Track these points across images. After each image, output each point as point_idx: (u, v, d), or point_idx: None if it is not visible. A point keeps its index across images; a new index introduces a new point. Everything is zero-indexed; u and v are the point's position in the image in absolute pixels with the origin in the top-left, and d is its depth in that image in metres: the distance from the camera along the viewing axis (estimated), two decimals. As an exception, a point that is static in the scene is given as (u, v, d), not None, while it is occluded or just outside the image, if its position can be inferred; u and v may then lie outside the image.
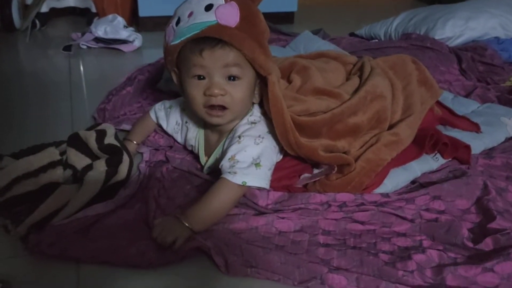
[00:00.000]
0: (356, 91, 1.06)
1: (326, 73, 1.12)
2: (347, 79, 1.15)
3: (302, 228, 0.88)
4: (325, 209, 0.92)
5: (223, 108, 0.93)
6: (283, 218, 0.89)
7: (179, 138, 1.13)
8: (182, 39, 0.89)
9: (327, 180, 0.96)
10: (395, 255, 0.82)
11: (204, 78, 0.91)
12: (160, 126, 1.17)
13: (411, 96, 1.11)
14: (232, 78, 0.91)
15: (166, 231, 0.83)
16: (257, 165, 0.91)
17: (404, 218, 0.90)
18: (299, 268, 0.79)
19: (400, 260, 0.80)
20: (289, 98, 0.99)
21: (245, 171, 0.90)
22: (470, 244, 0.82)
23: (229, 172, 0.91)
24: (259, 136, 0.94)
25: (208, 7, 0.87)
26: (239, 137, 0.94)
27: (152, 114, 1.17)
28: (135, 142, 1.15)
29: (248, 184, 0.90)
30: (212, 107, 0.93)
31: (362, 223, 0.89)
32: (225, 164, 0.93)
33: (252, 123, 0.97)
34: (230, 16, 0.87)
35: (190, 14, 0.89)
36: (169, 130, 1.15)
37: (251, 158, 0.92)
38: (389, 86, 1.09)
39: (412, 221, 0.90)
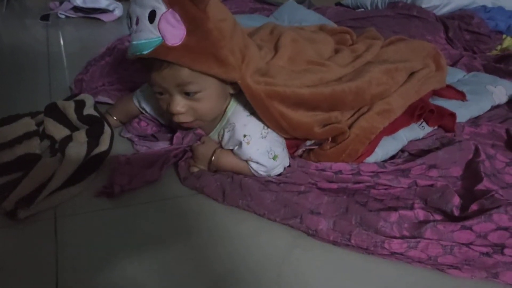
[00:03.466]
0: (351, 63, 1.03)
1: (316, 44, 1.08)
2: (336, 50, 1.11)
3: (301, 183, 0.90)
4: (321, 174, 0.91)
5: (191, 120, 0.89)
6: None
7: (165, 119, 1.06)
8: (132, 54, 0.82)
9: (321, 149, 0.94)
10: (383, 209, 0.83)
11: (163, 93, 0.86)
12: (143, 110, 1.08)
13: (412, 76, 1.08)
14: (190, 93, 0.84)
15: (199, 158, 0.94)
16: (274, 157, 0.90)
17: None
18: (286, 207, 0.83)
19: (386, 210, 0.82)
20: (284, 73, 0.92)
21: (268, 169, 0.91)
22: (457, 213, 0.82)
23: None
24: (263, 127, 0.90)
25: (152, 17, 0.77)
26: (244, 136, 0.89)
27: (134, 100, 1.08)
28: (115, 118, 1.10)
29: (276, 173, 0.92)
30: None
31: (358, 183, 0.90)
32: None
33: (248, 114, 0.91)
34: (174, 32, 0.77)
35: (137, 21, 0.79)
36: (153, 113, 1.06)
37: (266, 153, 0.89)
38: (399, 80, 1.05)
39: (408, 188, 0.89)
